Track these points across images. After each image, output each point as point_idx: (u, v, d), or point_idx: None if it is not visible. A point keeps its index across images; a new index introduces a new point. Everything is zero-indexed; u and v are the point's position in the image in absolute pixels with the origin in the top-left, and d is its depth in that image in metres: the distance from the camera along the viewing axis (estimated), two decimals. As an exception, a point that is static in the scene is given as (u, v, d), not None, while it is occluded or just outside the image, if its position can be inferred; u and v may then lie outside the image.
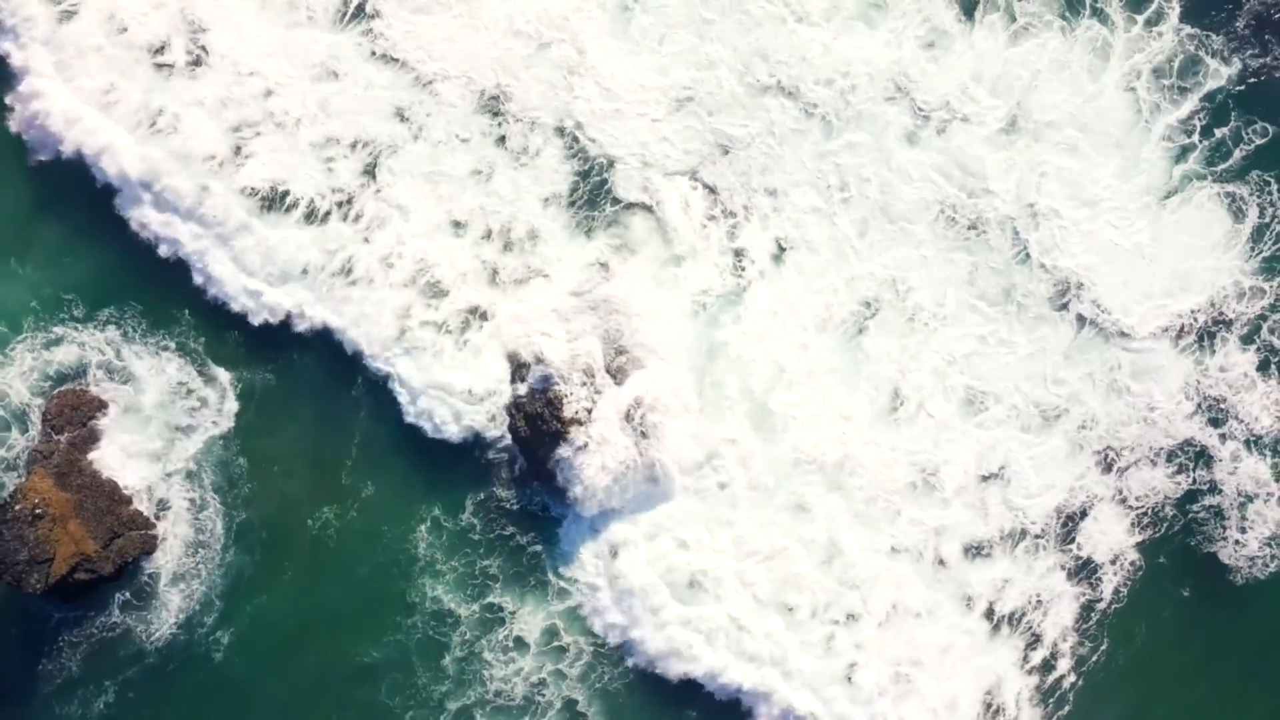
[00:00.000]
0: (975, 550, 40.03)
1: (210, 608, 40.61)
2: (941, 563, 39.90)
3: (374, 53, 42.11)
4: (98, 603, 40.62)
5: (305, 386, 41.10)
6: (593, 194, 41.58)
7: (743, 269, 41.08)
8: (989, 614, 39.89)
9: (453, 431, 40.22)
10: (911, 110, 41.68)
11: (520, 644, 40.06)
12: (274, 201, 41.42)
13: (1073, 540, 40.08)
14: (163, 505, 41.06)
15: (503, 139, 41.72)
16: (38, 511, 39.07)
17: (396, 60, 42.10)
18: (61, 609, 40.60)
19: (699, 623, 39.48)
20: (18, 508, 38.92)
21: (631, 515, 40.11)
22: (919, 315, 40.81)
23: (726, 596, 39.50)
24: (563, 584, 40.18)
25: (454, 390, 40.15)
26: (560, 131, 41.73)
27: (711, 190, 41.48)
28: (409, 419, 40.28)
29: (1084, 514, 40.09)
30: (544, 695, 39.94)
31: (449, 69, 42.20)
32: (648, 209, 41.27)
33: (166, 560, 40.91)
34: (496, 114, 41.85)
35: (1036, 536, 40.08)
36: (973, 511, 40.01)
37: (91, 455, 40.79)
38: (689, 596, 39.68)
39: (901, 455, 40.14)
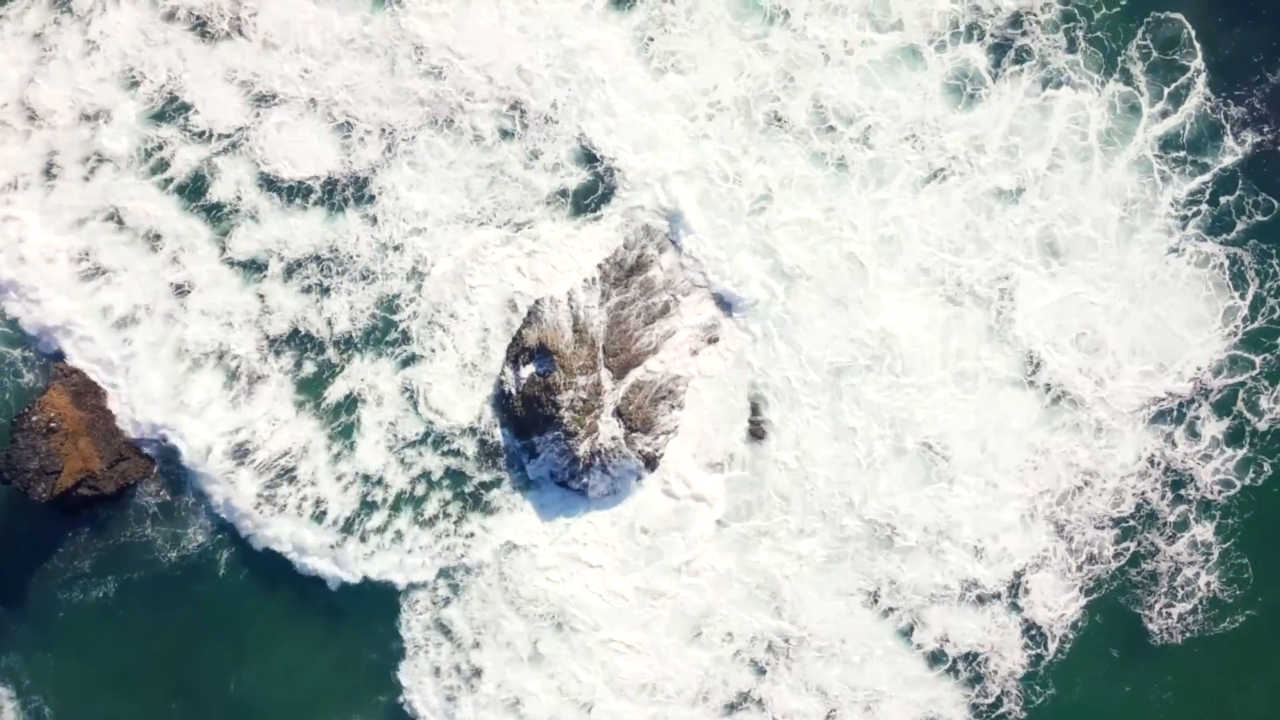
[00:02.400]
0: (930, 597, 41.22)
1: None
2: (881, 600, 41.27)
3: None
4: (93, 518, 42.75)
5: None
6: (598, 201, 42.81)
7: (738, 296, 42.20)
8: (936, 656, 41.08)
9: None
10: (924, 159, 42.28)
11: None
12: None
13: (1021, 596, 41.01)
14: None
15: (513, 137, 43.05)
16: (52, 425, 40.91)
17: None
18: (61, 519, 42.63)
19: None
20: (34, 419, 40.79)
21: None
22: (895, 368, 41.51)
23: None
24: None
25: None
26: (578, 147, 42.88)
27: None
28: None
29: (1035, 570, 41.02)
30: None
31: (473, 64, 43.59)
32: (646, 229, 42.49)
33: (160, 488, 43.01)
34: (514, 109, 43.12)
35: (991, 594, 41.08)
36: (929, 561, 41.12)
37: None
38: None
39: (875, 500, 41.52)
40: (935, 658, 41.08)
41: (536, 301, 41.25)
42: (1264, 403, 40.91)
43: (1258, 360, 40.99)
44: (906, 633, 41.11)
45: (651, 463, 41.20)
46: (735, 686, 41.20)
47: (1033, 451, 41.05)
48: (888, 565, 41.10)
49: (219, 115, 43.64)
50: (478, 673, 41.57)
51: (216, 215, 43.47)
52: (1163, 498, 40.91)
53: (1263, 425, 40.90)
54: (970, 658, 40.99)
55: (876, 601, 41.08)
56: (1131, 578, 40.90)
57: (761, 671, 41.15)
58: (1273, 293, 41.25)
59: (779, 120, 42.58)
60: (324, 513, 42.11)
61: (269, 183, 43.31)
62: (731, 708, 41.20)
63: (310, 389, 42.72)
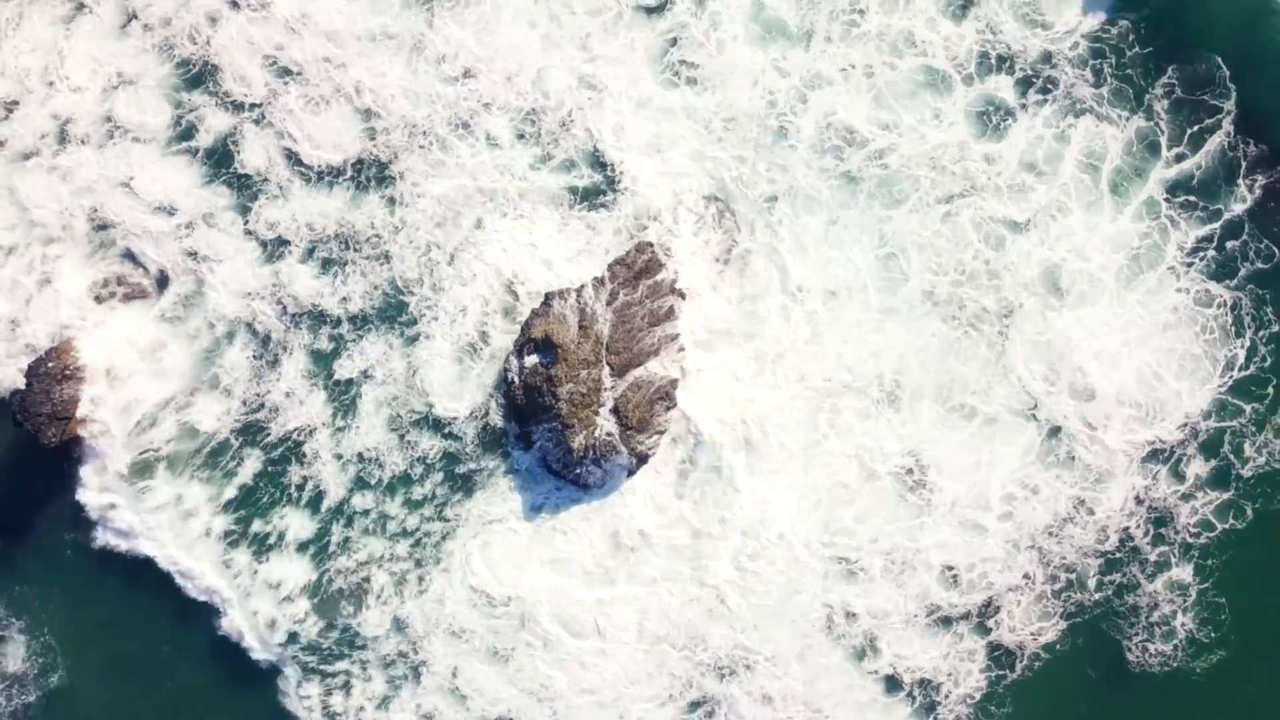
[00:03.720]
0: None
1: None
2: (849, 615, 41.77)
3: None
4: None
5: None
6: (610, 204, 43.87)
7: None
8: (893, 680, 41.40)
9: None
10: (938, 182, 42.75)
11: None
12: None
13: (991, 618, 41.23)
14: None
15: (527, 139, 44.38)
16: (66, 372, 42.30)
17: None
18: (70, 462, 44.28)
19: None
20: (50, 365, 42.25)
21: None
22: (885, 393, 42.02)
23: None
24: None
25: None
26: (591, 150, 44.03)
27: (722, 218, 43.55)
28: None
29: (1011, 596, 41.18)
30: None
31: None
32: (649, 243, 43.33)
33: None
34: (531, 114, 44.45)
35: (959, 615, 41.41)
36: (895, 586, 41.49)
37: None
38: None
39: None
40: (891, 682, 41.43)
41: (546, 296, 42.27)
42: (1249, 449, 41.04)
43: (1247, 408, 40.98)
44: (860, 655, 41.53)
45: (644, 460, 42.14)
46: (699, 689, 41.86)
47: (1020, 485, 41.37)
48: (850, 590, 41.51)
49: (246, 89, 45.58)
50: (424, 663, 42.71)
51: (241, 187, 45.33)
52: (1145, 535, 41.03)
53: (1246, 471, 40.96)
54: (925, 683, 41.31)
55: (831, 627, 41.54)
56: (1115, 606, 41.07)
57: (724, 677, 41.82)
58: (1264, 340, 41.28)
59: (790, 135, 43.31)
60: (323, 493, 43.70)
61: (293, 158, 44.96)
62: (695, 705, 42.02)
63: (320, 366, 44.28)
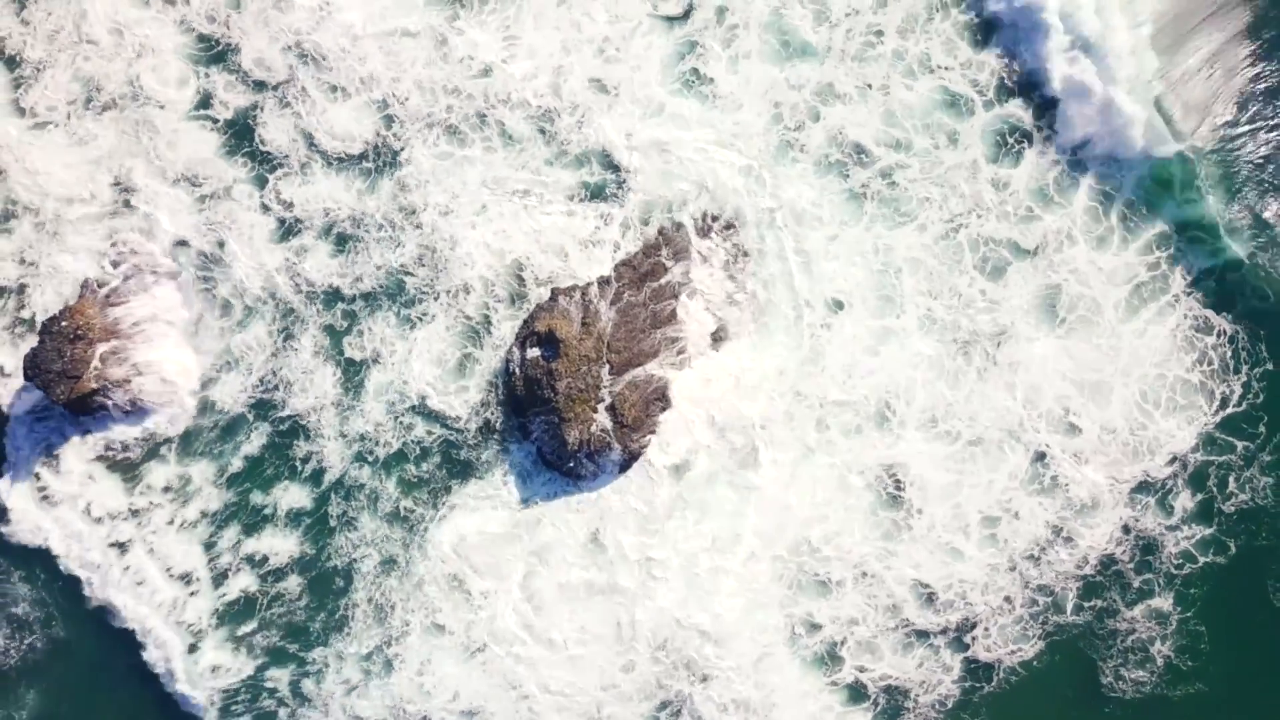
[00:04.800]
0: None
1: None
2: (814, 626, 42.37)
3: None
4: (101, 424, 45.41)
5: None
6: (618, 203, 44.53)
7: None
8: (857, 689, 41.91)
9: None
10: (945, 201, 43.30)
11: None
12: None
13: (968, 633, 41.70)
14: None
15: (542, 136, 45.12)
16: (79, 333, 43.14)
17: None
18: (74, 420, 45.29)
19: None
20: (63, 324, 43.11)
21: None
22: (877, 411, 42.57)
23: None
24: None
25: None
26: (602, 151, 44.76)
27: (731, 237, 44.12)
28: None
29: (991, 616, 41.58)
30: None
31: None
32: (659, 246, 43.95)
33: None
34: (547, 114, 45.23)
35: (936, 631, 41.90)
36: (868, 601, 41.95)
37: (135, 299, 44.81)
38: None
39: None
40: (855, 691, 41.94)
41: (553, 291, 42.97)
42: (1233, 484, 41.24)
43: (1239, 445, 41.32)
44: (823, 662, 42.06)
45: (636, 458, 42.72)
46: (667, 691, 42.37)
47: (1003, 509, 41.78)
48: (822, 604, 42.00)
49: (266, 70, 46.66)
50: (398, 654, 43.41)
51: (261, 162, 46.33)
52: (1131, 561, 41.38)
53: (1229, 507, 41.21)
54: (893, 689, 41.80)
55: (795, 639, 42.08)
56: (1094, 628, 41.43)
57: (692, 681, 42.31)
58: (1259, 377, 41.57)
59: (799, 149, 43.95)
60: (324, 470, 44.58)
61: (311, 140, 45.97)
62: (664, 705, 42.45)
63: (329, 344, 45.12)
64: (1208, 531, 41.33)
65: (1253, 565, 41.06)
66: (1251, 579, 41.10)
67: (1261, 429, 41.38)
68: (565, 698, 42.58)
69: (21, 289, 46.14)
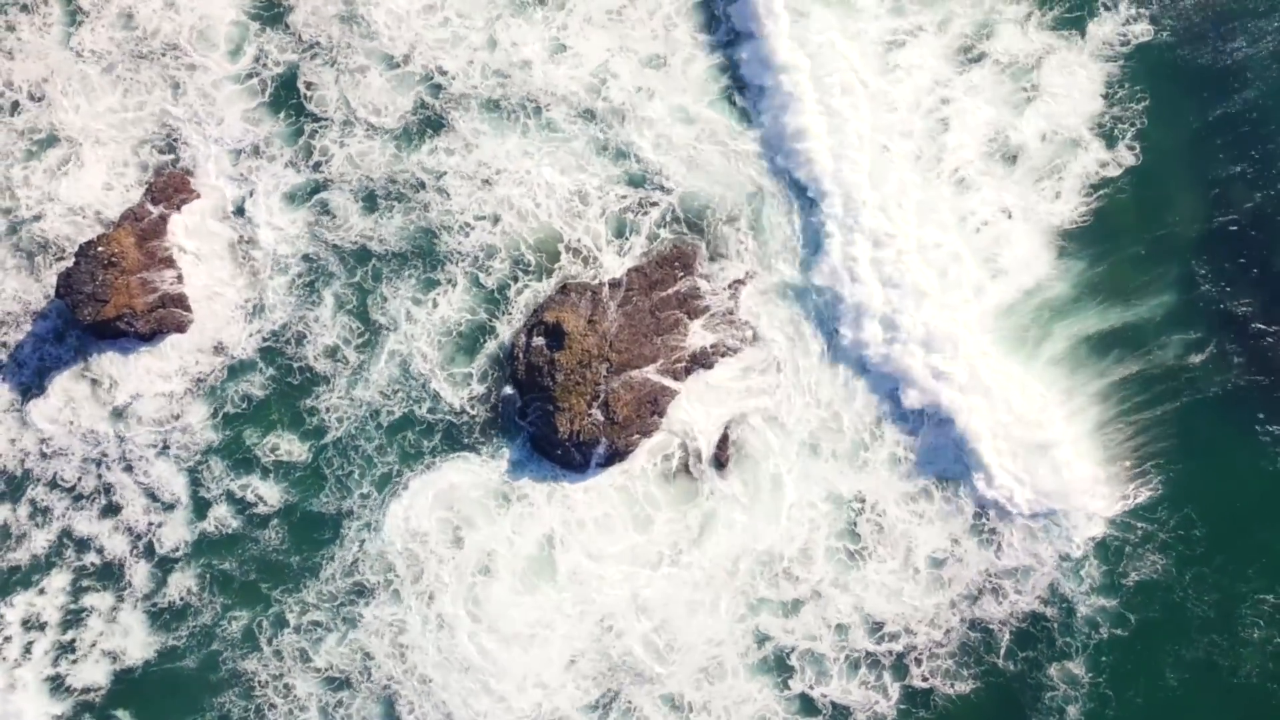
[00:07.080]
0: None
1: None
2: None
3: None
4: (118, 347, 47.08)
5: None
6: (642, 210, 46.71)
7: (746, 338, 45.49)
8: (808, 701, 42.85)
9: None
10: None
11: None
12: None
13: (910, 656, 42.86)
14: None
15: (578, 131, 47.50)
16: (113, 259, 44.84)
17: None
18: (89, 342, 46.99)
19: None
20: (99, 249, 44.78)
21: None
22: (852, 444, 44.12)
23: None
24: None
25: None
26: (634, 151, 47.16)
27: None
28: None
29: (928, 651, 42.79)
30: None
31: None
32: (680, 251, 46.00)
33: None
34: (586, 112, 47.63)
35: (881, 654, 43.01)
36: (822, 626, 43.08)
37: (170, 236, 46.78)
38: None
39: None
40: (806, 702, 42.80)
41: (565, 285, 44.87)
42: (1132, 562, 42.56)
43: (1139, 526, 42.74)
44: (782, 682, 42.97)
45: (622, 456, 44.14)
46: (615, 684, 43.21)
47: (951, 549, 42.92)
48: (774, 621, 43.10)
49: (317, 33, 49.07)
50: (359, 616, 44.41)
51: (304, 117, 48.49)
52: (1055, 621, 42.48)
53: (1129, 581, 42.38)
54: (839, 707, 42.64)
55: (748, 652, 43.05)
56: (1025, 678, 42.39)
57: (639, 681, 43.22)
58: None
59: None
60: (327, 427, 46.08)
61: (351, 105, 48.28)
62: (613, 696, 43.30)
63: (355, 301, 46.96)
64: (1112, 603, 42.51)
65: (1150, 635, 42.30)
66: (1151, 647, 42.28)
67: (1160, 512, 42.85)
68: (511, 681, 43.33)
69: (38, 218, 47.86)
